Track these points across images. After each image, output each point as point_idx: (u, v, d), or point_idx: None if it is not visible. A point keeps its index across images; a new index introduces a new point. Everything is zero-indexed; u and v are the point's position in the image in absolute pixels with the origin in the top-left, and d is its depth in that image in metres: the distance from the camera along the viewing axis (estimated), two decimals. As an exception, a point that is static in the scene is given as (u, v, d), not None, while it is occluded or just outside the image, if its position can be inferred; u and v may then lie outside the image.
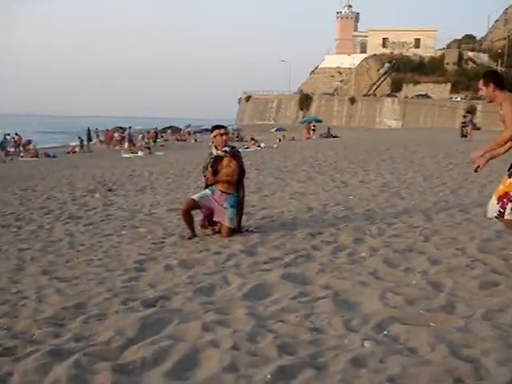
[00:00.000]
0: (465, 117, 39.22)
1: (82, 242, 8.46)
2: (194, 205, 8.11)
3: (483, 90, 6.01)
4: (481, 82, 6.04)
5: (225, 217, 8.01)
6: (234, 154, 8.19)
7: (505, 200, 5.77)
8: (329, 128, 55.95)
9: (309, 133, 52.59)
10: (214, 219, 8.15)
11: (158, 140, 50.40)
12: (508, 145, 6.00)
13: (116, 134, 54.07)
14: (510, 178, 5.77)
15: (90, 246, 8.08)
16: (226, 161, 8.12)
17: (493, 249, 6.66)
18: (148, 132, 53.84)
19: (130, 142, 42.26)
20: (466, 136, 35.24)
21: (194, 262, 6.63)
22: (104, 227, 9.51)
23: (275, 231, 8.16)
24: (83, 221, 10.28)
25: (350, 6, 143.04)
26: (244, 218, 8.48)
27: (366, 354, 3.73)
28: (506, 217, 5.81)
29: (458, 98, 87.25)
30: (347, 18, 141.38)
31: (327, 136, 51.15)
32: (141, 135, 49.72)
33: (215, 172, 8.13)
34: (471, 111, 62.53)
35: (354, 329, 4.25)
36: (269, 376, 3.50)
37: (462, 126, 36.90)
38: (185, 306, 4.90)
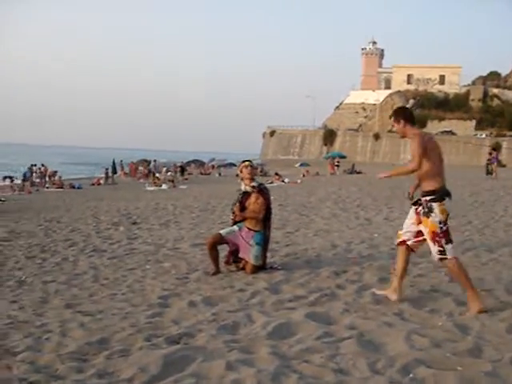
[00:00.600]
0: (490, 154, 38.91)
1: (106, 275, 8.50)
2: (221, 239, 8.13)
3: (395, 127, 6.18)
4: (392, 119, 6.22)
5: (250, 254, 8.00)
6: (261, 190, 8.20)
7: (437, 239, 5.79)
8: (353, 164, 55.91)
9: (333, 168, 52.57)
10: (240, 256, 8.14)
11: (184, 173, 50.41)
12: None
13: (140, 168, 54.44)
14: (428, 217, 5.80)
15: (114, 280, 8.11)
16: (253, 197, 8.14)
17: (520, 291, 6.57)
18: (174, 165, 54.11)
19: (155, 174, 42.55)
20: (491, 173, 34.97)
21: (218, 298, 6.62)
22: (128, 261, 9.55)
23: (299, 269, 8.12)
24: (107, 254, 10.33)
25: (374, 43, 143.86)
26: (268, 254, 8.47)
27: (392, 398, 3.68)
28: (448, 252, 5.81)
29: (483, 135, 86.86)
30: (372, 54, 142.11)
31: (351, 172, 51.08)
32: (165, 168, 50.03)
33: (243, 208, 8.15)
34: (496, 148, 62.00)
35: (379, 371, 4.20)
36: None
37: (488, 164, 36.67)
38: (209, 344, 4.88)
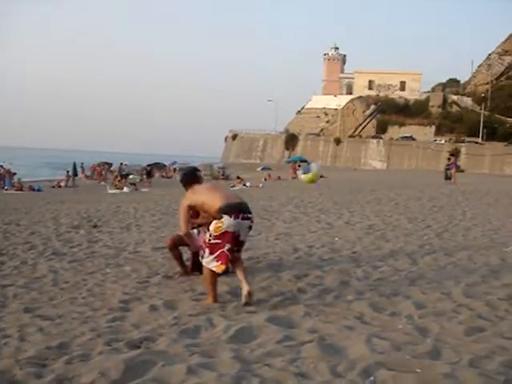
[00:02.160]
0: (449, 159, 39.57)
1: (66, 279, 8.38)
2: (180, 240, 8.07)
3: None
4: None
5: None
6: None
7: (203, 246, 6.75)
8: (314, 168, 56.17)
9: (295, 172, 52.71)
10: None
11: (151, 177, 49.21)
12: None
13: (104, 172, 53.75)
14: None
15: (74, 284, 8.00)
16: None
17: (478, 293, 6.69)
18: (140, 168, 53.60)
19: (122, 177, 42.13)
20: (449, 178, 35.54)
21: (179, 302, 6.59)
22: (88, 264, 9.43)
23: (261, 273, 8.14)
24: (67, 257, 10.18)
25: (336, 48, 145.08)
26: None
27: (353, 401, 3.70)
28: (205, 261, 6.56)
29: (442, 141, 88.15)
30: (334, 59, 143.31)
31: (312, 176, 51.29)
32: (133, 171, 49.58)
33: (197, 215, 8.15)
34: (455, 154, 63.08)
35: (340, 374, 4.23)
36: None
37: (446, 169, 37.28)
38: (170, 348, 4.85)
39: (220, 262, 6.39)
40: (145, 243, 11.49)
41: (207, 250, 6.48)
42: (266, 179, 47.09)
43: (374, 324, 5.54)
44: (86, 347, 5.03)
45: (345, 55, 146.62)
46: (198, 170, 8.42)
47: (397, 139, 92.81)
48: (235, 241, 6.46)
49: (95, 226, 14.69)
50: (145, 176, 47.11)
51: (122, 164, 50.35)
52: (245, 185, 38.32)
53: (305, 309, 6.11)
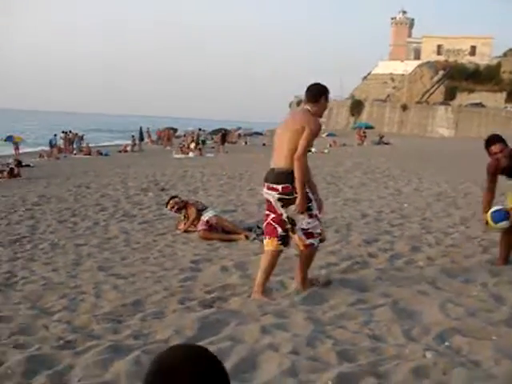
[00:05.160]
0: (521, 127, 38.47)
1: (137, 240, 8.55)
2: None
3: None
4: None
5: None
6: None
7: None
8: (381, 135, 55.39)
9: (361, 139, 52.09)
10: None
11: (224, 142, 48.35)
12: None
13: (169, 136, 53.97)
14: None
15: (145, 245, 8.16)
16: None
17: (557, 263, 6.49)
18: (217, 133, 53.52)
19: (197, 143, 42.25)
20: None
21: (250, 264, 6.62)
22: (158, 226, 9.59)
23: (330, 237, 8.10)
24: (138, 219, 10.38)
25: (404, 12, 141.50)
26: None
27: (429, 365, 3.67)
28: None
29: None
30: (401, 23, 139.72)
31: (378, 143, 50.63)
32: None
33: None
34: (527, 121, 61.20)
35: (414, 338, 4.19)
36: (330, 382, 3.46)
37: (518, 136, 36.29)
38: (242, 308, 4.90)
39: (268, 237, 5.43)
40: (213, 206, 11.56)
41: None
42: (331, 145, 46.59)
43: (447, 290, 5.44)
44: (160, 305, 5.14)
45: (413, 19, 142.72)
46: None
47: (466, 106, 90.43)
48: (273, 210, 5.38)
49: (163, 190, 14.90)
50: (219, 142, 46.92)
51: (200, 130, 50.42)
52: (310, 151, 38.01)
53: (376, 273, 6.07)
